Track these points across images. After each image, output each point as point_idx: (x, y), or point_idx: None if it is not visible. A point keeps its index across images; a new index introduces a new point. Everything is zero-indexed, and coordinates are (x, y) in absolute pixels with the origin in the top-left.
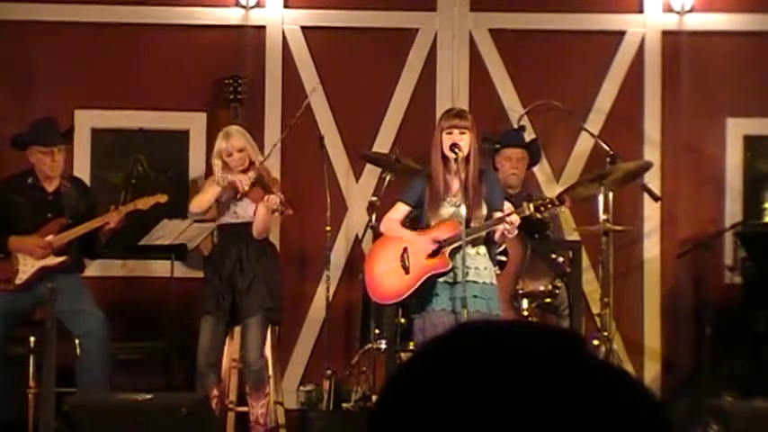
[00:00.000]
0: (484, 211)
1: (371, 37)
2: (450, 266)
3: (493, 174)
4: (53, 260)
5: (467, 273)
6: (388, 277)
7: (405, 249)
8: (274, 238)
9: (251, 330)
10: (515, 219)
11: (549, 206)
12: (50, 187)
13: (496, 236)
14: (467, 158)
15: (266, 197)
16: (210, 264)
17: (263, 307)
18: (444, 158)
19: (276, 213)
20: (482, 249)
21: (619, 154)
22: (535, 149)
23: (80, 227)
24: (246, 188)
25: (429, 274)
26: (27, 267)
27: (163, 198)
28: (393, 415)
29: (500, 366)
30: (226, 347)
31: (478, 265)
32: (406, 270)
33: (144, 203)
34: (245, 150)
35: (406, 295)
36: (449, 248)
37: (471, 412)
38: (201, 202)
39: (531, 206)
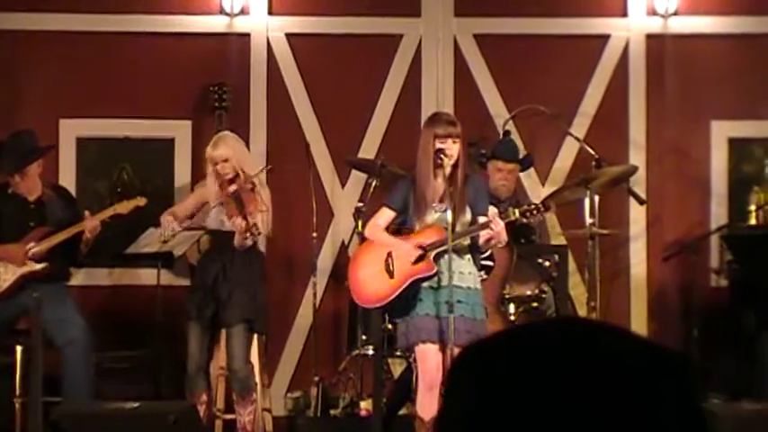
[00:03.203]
0: (468, 216)
1: (356, 43)
2: (434, 270)
3: (478, 179)
4: (34, 267)
5: (451, 277)
6: (372, 281)
7: (389, 254)
8: (260, 245)
9: (234, 338)
10: (500, 223)
11: (535, 212)
12: (32, 196)
13: (481, 241)
14: (455, 164)
15: (233, 219)
16: (197, 270)
17: (244, 317)
18: (434, 163)
19: (248, 235)
20: (466, 254)
21: (604, 158)
22: (527, 163)
23: (59, 234)
24: (167, 235)
25: (414, 278)
26: (8, 276)
27: (142, 201)
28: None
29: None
30: (214, 355)
31: (462, 269)
32: (391, 274)
33: (123, 207)
34: (229, 160)
35: (390, 299)
36: (433, 253)
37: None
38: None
39: (517, 212)
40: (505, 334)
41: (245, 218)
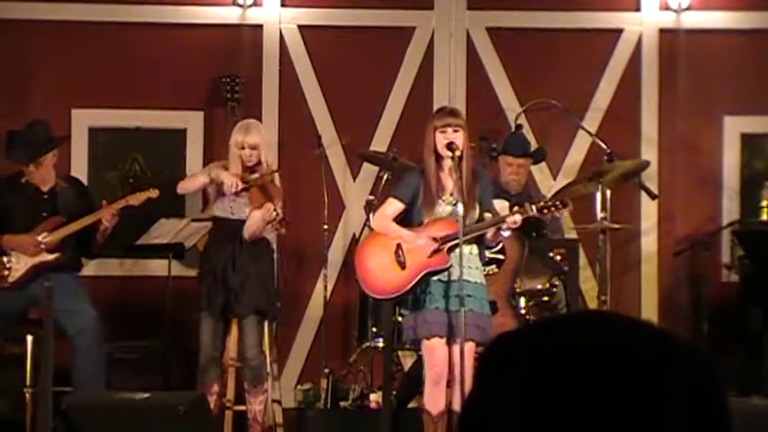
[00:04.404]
0: (477, 210)
1: (368, 35)
2: (449, 264)
3: (485, 174)
4: (46, 257)
5: (461, 271)
6: (383, 272)
7: (398, 245)
8: (271, 236)
9: (248, 328)
10: (518, 219)
11: (553, 209)
12: (45, 186)
13: (489, 235)
14: (460, 156)
15: (266, 205)
16: (204, 260)
17: (257, 308)
18: (437, 157)
19: (270, 225)
20: (474, 249)
21: (616, 152)
22: (539, 157)
23: (74, 223)
24: (233, 190)
25: (427, 271)
26: (20, 265)
27: (154, 193)
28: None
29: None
30: (225, 345)
31: (471, 264)
32: (402, 265)
33: (135, 199)
34: (257, 148)
35: (404, 290)
36: (446, 246)
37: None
38: (186, 185)
39: (534, 208)
40: (522, 331)
41: (274, 209)
